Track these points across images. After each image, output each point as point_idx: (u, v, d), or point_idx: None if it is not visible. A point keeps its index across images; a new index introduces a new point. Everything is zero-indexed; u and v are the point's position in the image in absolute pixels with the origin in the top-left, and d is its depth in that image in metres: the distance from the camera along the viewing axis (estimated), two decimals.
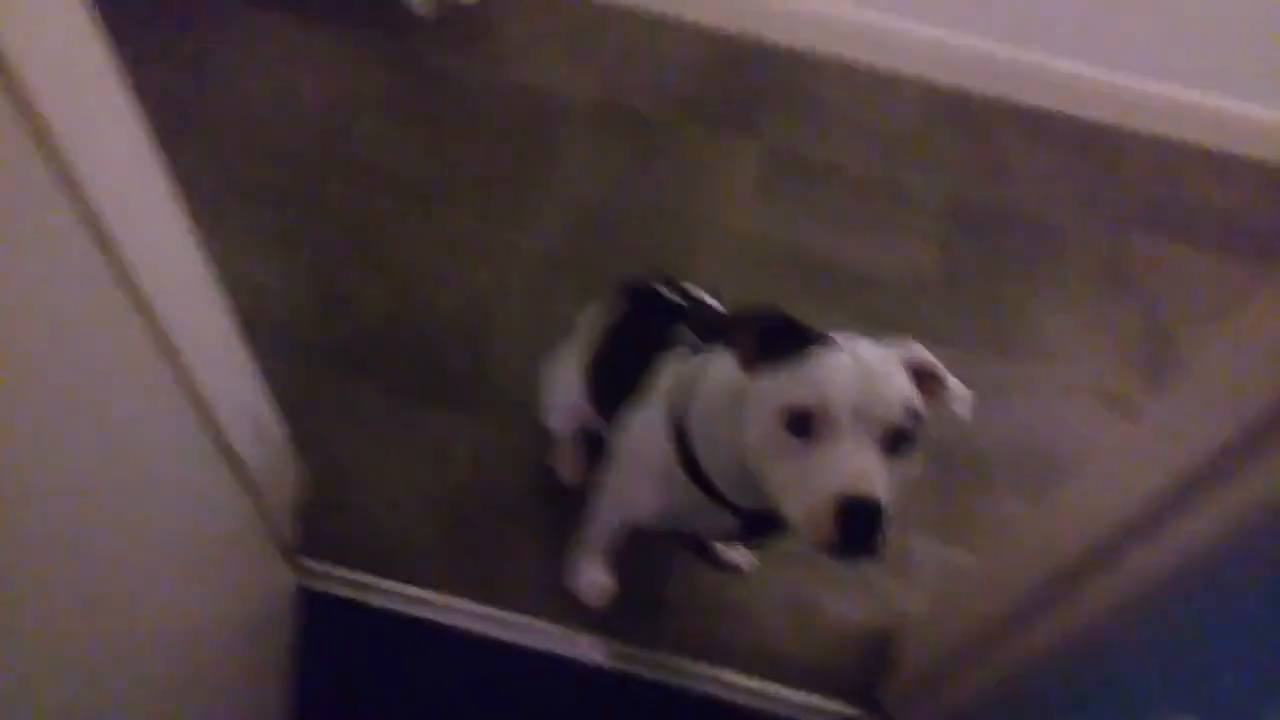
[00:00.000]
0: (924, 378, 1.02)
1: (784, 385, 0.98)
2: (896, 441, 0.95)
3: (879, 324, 2.01)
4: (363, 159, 2.09)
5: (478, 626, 1.59)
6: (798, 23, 2.38)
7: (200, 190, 1.93)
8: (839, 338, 1.00)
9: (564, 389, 1.56)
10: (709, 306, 1.38)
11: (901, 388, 0.96)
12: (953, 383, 1.03)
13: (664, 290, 1.38)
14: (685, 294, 1.38)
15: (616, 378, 1.33)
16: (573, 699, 1.58)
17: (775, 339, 1.01)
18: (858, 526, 0.91)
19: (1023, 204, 2.25)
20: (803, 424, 0.95)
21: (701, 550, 1.70)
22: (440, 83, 2.23)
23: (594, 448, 1.67)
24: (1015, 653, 1.27)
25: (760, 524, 1.22)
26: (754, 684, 1.59)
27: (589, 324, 1.51)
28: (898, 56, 2.39)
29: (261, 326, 1.80)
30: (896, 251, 2.13)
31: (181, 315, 1.02)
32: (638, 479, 1.29)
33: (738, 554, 1.69)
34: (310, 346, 1.84)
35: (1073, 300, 2.11)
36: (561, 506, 1.68)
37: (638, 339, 1.34)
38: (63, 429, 0.81)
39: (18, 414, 0.73)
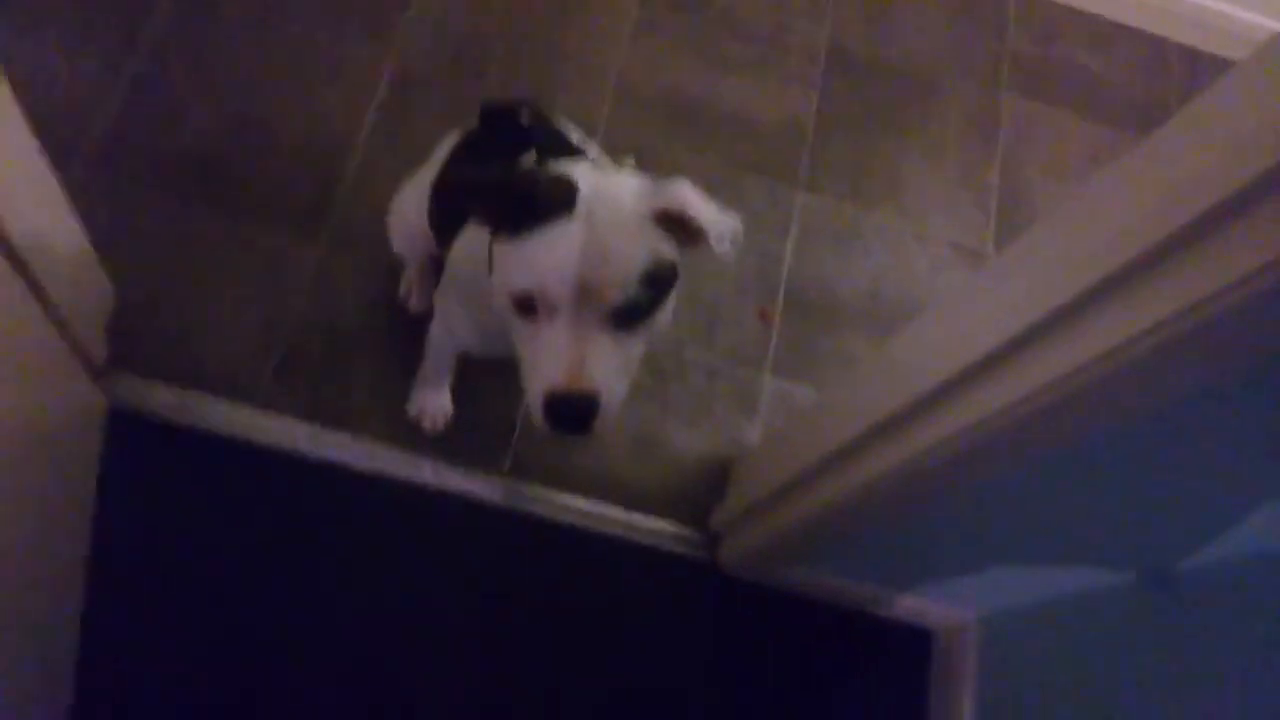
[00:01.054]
0: (684, 222, 0.97)
1: (510, 265, 0.96)
2: (632, 312, 0.94)
3: (749, 168, 1.97)
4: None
5: (306, 448, 1.53)
6: None
7: None
8: (585, 187, 0.94)
9: (410, 210, 1.48)
10: (566, 142, 1.30)
11: (639, 255, 0.93)
12: (713, 226, 0.97)
13: (523, 116, 1.29)
14: (548, 125, 1.30)
15: (453, 207, 1.25)
16: (406, 524, 1.55)
17: (513, 209, 0.96)
18: (569, 417, 0.93)
19: (903, 57, 2.20)
20: (529, 305, 0.94)
21: None
22: None
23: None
24: (840, 486, 1.29)
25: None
26: (591, 506, 1.59)
27: (444, 149, 1.43)
28: None
29: (81, 137, 1.70)
30: (775, 97, 2.07)
31: None
32: (457, 304, 1.25)
33: None
34: (137, 162, 1.71)
35: (940, 154, 2.10)
36: (406, 337, 1.62)
37: (483, 164, 1.25)
38: None
39: None
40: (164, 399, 1.52)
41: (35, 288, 1.22)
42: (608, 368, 0.93)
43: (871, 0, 2.25)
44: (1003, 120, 2.17)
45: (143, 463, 1.49)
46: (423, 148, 1.51)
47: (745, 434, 1.72)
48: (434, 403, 1.57)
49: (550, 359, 0.93)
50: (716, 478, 1.66)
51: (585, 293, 0.91)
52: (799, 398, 1.76)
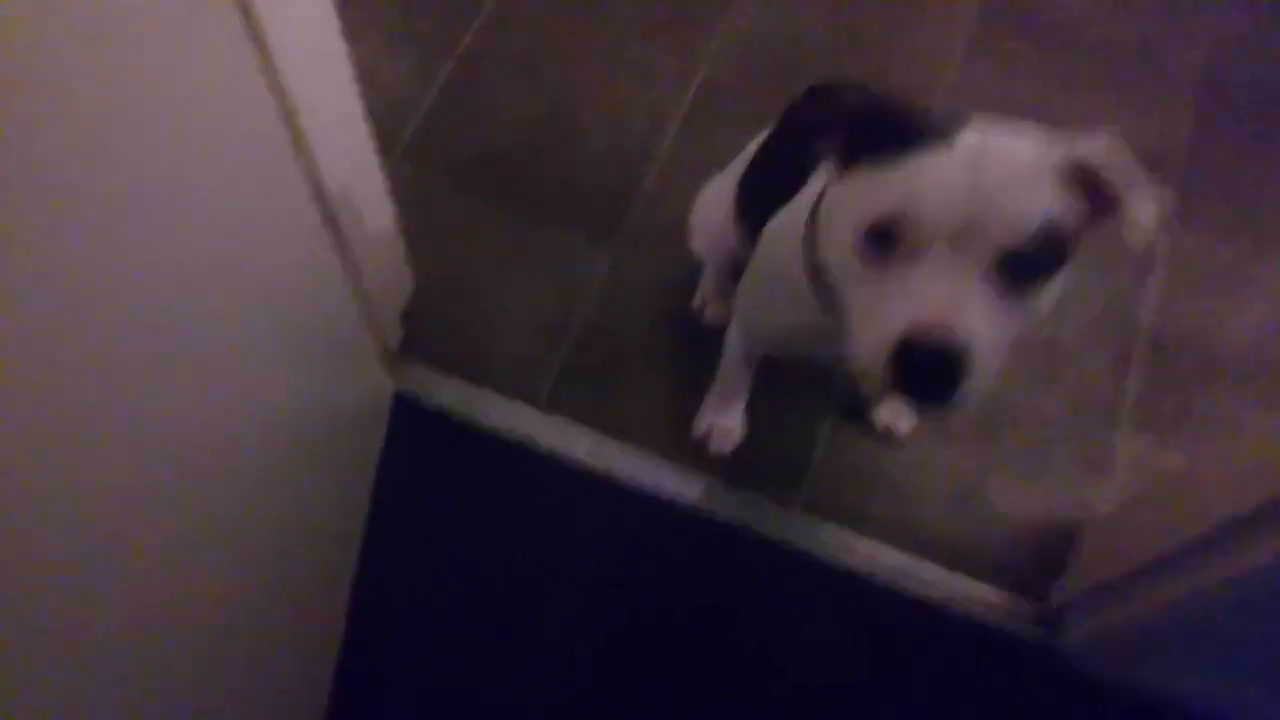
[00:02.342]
0: (1099, 184, 0.74)
1: (867, 191, 0.76)
2: (1019, 270, 0.71)
3: None
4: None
5: (585, 457, 1.41)
6: None
7: None
8: (972, 131, 0.74)
9: (714, 204, 1.35)
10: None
11: (1039, 198, 0.71)
12: (1136, 198, 0.74)
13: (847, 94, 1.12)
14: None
15: (767, 192, 1.11)
16: (680, 546, 1.37)
17: (874, 133, 0.77)
18: (929, 370, 0.71)
19: None
20: (886, 240, 0.73)
21: (854, 411, 1.45)
22: None
23: None
24: (1216, 575, 1.02)
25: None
26: (901, 560, 1.34)
27: (753, 145, 1.30)
28: None
29: (393, 127, 1.72)
30: (1128, 118, 1.77)
31: (311, 95, 0.95)
32: (766, 293, 1.09)
33: (895, 414, 1.44)
34: (442, 154, 1.70)
35: None
36: (696, 352, 1.47)
37: (796, 149, 1.09)
38: (185, 196, 0.75)
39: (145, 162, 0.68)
40: (450, 392, 1.46)
41: (349, 262, 1.19)
42: (984, 324, 0.71)
43: (1251, 20, 1.91)
44: None
45: (424, 454, 1.43)
46: (726, 157, 1.38)
47: (1092, 497, 1.41)
48: (724, 420, 1.41)
49: (910, 297, 0.72)
50: (1053, 546, 1.35)
51: (969, 226, 0.71)
52: (1164, 464, 1.43)
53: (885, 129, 0.76)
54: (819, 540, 1.36)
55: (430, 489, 1.41)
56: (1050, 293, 0.76)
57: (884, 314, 0.74)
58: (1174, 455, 1.43)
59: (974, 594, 1.31)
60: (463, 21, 1.85)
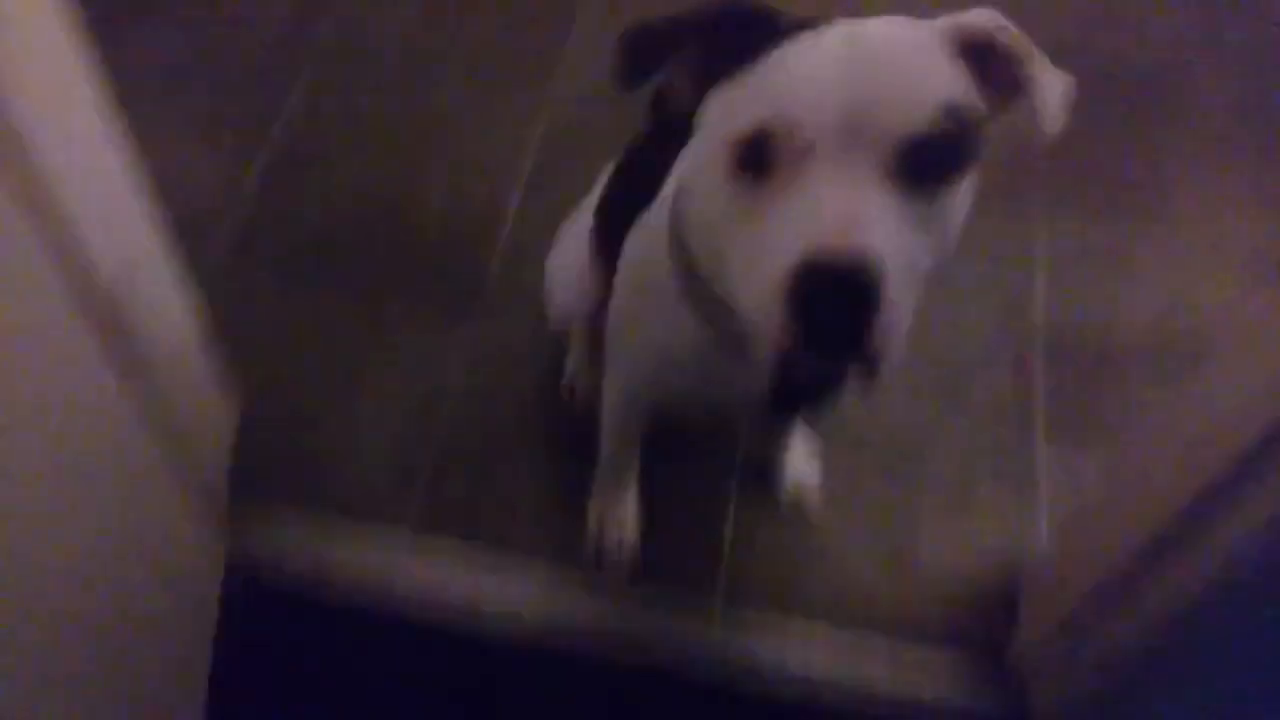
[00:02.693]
0: (992, 59, 0.64)
1: (727, 108, 0.63)
2: (925, 164, 0.59)
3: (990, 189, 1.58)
4: (346, 39, 1.73)
5: (460, 596, 1.20)
6: None
7: (154, 70, 1.69)
8: (840, 22, 0.62)
9: (565, 256, 1.20)
10: None
11: (931, 76, 0.60)
12: (1040, 71, 0.64)
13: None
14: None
15: (627, 211, 0.94)
16: (591, 690, 1.17)
17: (729, 43, 0.63)
18: (833, 306, 0.57)
19: (1138, 51, 1.80)
20: (760, 161, 0.60)
21: (756, 473, 1.30)
22: None
23: None
24: (1176, 583, 0.91)
25: (798, 377, 0.81)
26: (837, 650, 1.18)
27: (600, 182, 1.16)
28: None
29: (209, 236, 1.50)
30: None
31: (79, 192, 0.83)
32: (636, 318, 0.92)
33: (800, 468, 1.28)
34: (266, 251, 1.50)
35: (1213, 154, 1.66)
36: (584, 428, 1.28)
37: (662, 150, 0.93)
38: None
39: None
40: (293, 532, 1.23)
41: (156, 401, 0.99)
42: (893, 235, 0.58)
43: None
44: (1272, 114, 1.72)
45: (267, 616, 1.20)
46: (577, 206, 1.23)
47: (1028, 526, 1.29)
48: (617, 510, 1.23)
49: (799, 217, 0.58)
50: (1000, 591, 1.22)
51: (856, 118, 0.58)
52: (1089, 472, 1.32)
53: (741, 35, 0.63)
54: (744, 652, 1.19)
55: (278, 658, 1.18)
56: (964, 197, 0.63)
57: (770, 247, 0.59)
58: (1095, 461, 1.33)
59: (926, 663, 1.17)
60: (273, 110, 1.64)
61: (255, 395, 1.31)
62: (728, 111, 0.63)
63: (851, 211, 0.56)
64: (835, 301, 0.56)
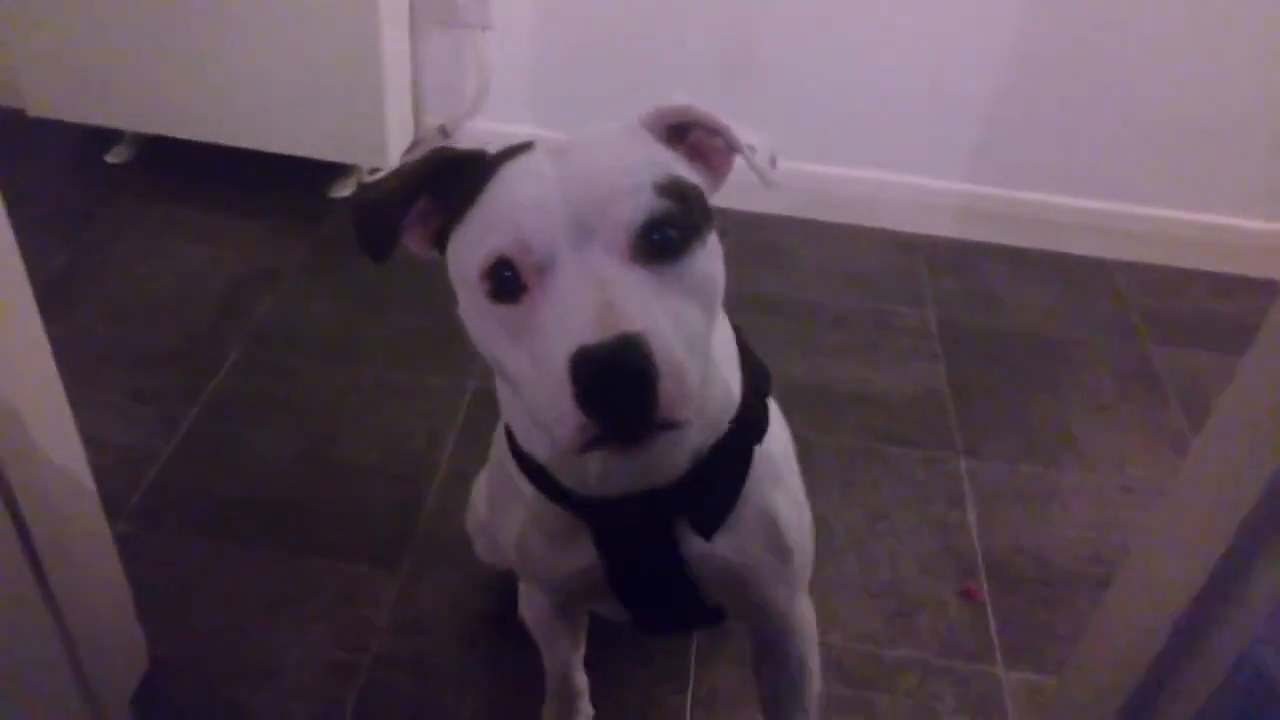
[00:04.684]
0: (697, 134, 0.72)
1: (468, 242, 0.67)
2: (662, 239, 0.64)
3: (893, 440, 1.68)
4: (274, 326, 1.82)
5: None
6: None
7: (82, 354, 1.74)
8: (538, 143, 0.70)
9: (479, 496, 1.20)
10: None
11: (640, 160, 0.67)
12: (733, 132, 0.71)
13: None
14: None
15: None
16: None
17: (450, 187, 0.69)
18: (613, 381, 0.58)
19: (1024, 327, 2.01)
20: (511, 282, 0.63)
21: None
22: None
23: None
24: None
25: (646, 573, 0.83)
26: None
27: None
28: (865, 210, 2.26)
29: (130, 489, 1.46)
30: (897, 372, 1.84)
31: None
32: (497, 507, 0.92)
33: None
34: (187, 507, 1.46)
35: (1105, 408, 1.80)
36: (524, 662, 1.21)
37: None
38: None
39: None
40: None
41: (68, 646, 0.92)
42: (648, 305, 0.60)
43: (970, 281, 2.13)
44: (1160, 367, 1.91)
45: None
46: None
47: None
48: None
49: (563, 319, 0.60)
50: None
51: (581, 220, 0.62)
52: (1049, 690, 1.28)
53: (456, 178, 0.68)
54: None
55: None
56: (712, 250, 0.68)
57: (545, 358, 0.60)
58: (1056, 679, 1.29)
59: None
60: (207, 370, 1.69)
61: (167, 645, 1.22)
62: (467, 250, 0.66)
63: (602, 302, 0.59)
64: (612, 369, 0.58)
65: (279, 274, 1.95)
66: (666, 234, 0.63)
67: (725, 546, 0.80)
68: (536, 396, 0.63)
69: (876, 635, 1.34)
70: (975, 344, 1.94)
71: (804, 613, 0.97)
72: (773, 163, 0.73)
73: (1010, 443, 1.70)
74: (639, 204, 0.62)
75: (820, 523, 1.33)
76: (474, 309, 0.66)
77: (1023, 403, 1.79)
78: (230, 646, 1.26)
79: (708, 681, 1.26)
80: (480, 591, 1.34)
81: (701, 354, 0.65)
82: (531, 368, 0.62)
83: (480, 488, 1.21)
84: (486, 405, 1.64)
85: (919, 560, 1.46)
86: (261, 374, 1.71)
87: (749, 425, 0.79)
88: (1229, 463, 0.79)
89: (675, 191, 0.65)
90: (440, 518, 1.45)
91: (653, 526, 0.78)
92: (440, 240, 0.70)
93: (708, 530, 0.79)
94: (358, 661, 1.25)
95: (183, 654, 1.24)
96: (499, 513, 0.91)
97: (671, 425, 0.60)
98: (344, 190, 2.21)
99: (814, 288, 2.07)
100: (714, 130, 0.71)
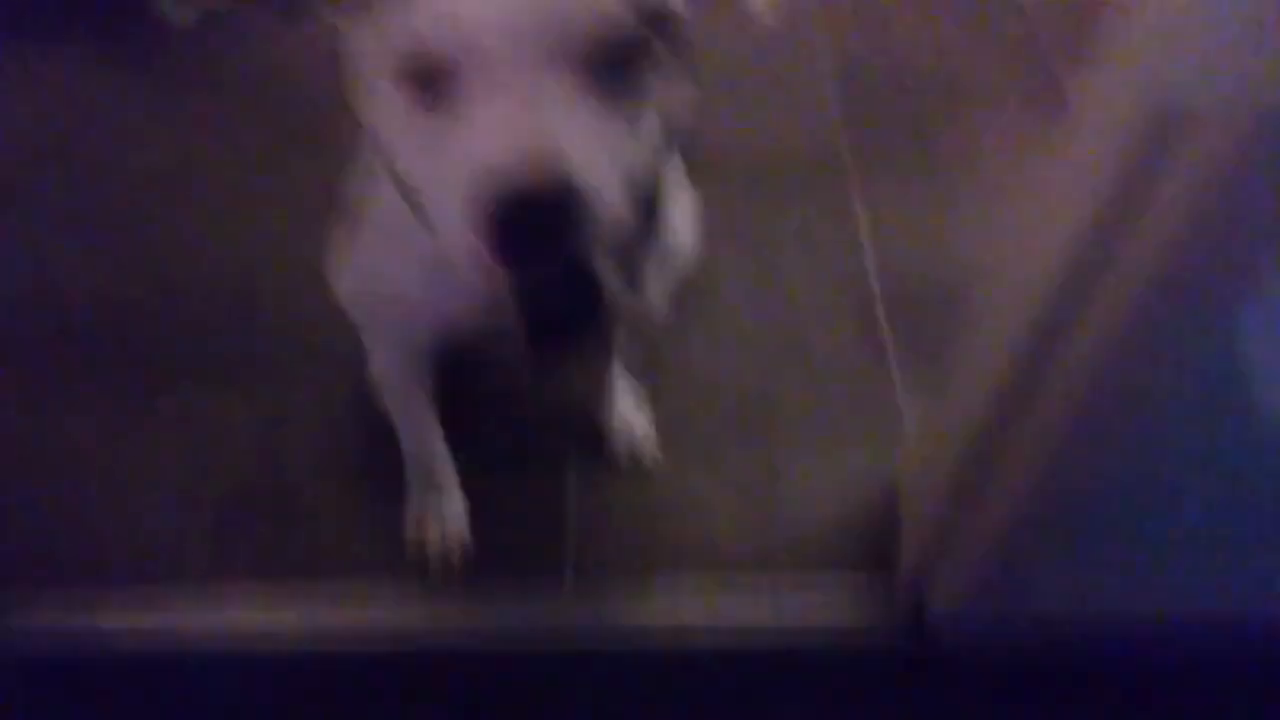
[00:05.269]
0: None
1: (387, 31, 0.56)
2: (625, 71, 0.55)
3: (783, 167, 1.57)
4: (102, 155, 1.65)
5: (267, 644, 1.01)
6: None
7: None
8: None
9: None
10: None
11: None
12: None
13: None
14: None
15: None
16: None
17: None
18: (531, 233, 0.52)
19: (926, 60, 1.88)
20: (432, 84, 0.54)
21: (592, 436, 1.16)
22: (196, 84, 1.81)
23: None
24: (1034, 442, 0.82)
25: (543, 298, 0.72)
26: (713, 578, 1.01)
27: None
28: None
29: None
30: (791, 113, 1.72)
31: None
32: (378, 246, 0.81)
33: (628, 419, 1.16)
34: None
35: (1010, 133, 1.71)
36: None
37: None
38: None
39: None
40: (53, 615, 1.02)
41: None
42: (591, 145, 0.53)
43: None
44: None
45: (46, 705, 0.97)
46: None
47: (896, 449, 1.17)
48: (436, 507, 1.06)
49: (484, 138, 0.52)
50: (877, 512, 1.09)
51: (534, 26, 0.52)
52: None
53: None
54: (605, 616, 1.02)
55: None
56: (678, 104, 0.59)
57: (458, 178, 0.52)
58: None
59: (812, 600, 1.01)
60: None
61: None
62: (384, 39, 0.56)
63: (534, 121, 0.51)
64: (533, 217, 0.51)
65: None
66: (636, 68, 0.55)
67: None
68: (438, 216, 0.57)
69: (774, 380, 1.28)
70: (874, 78, 1.81)
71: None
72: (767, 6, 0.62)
73: (908, 163, 1.61)
74: (610, 19, 0.53)
75: (714, 271, 1.24)
76: (383, 107, 0.57)
77: (922, 134, 1.69)
78: (74, 487, 1.16)
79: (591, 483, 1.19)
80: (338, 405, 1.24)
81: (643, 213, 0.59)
82: (442, 183, 0.55)
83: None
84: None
85: (815, 299, 1.39)
86: (74, 202, 1.54)
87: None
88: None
89: (657, 17, 0.55)
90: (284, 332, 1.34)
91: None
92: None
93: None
94: (212, 493, 1.16)
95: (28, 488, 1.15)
96: (382, 263, 0.81)
97: (585, 261, 0.56)
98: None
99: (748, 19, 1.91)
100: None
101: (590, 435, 1.16)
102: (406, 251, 0.73)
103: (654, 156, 0.60)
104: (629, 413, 1.15)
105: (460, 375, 1.08)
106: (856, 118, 1.72)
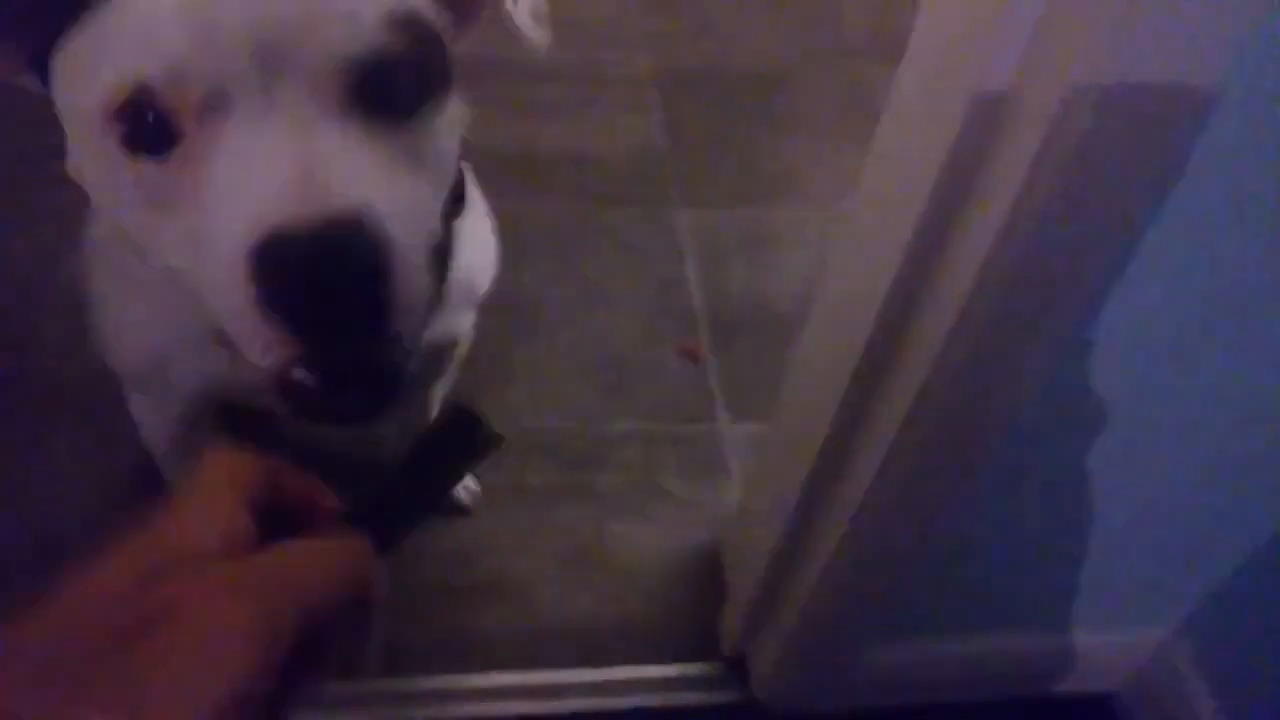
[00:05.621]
0: None
1: (87, 63, 0.45)
2: (384, 86, 0.45)
3: (607, 203, 1.53)
4: None
5: None
6: None
7: None
8: None
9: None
10: None
11: None
12: None
13: None
14: None
15: None
16: None
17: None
18: (326, 294, 0.41)
19: (744, 62, 1.86)
20: (156, 126, 0.43)
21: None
22: None
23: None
24: (853, 506, 0.80)
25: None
26: (530, 678, 0.97)
27: None
28: None
29: None
30: (612, 128, 1.67)
31: None
32: (116, 302, 0.69)
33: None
34: None
35: (825, 135, 1.72)
36: None
37: None
38: None
39: None
40: None
41: None
42: (365, 173, 0.43)
43: (687, 14, 1.94)
44: (876, 89, 1.83)
45: None
46: None
47: (723, 503, 1.17)
48: None
49: (240, 187, 0.41)
50: (705, 576, 1.08)
51: (273, 44, 0.41)
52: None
53: None
54: (424, 699, 0.96)
55: None
56: (447, 121, 0.49)
57: (211, 237, 0.42)
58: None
59: (637, 679, 0.99)
60: None
61: None
62: (83, 73, 0.45)
63: (301, 165, 0.41)
64: (315, 255, 0.40)
65: None
66: (396, 82, 0.45)
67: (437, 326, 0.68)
68: (206, 294, 0.44)
69: (594, 412, 1.24)
70: (692, 86, 1.79)
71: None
72: (537, 17, 0.56)
73: (729, 188, 1.60)
74: (357, 33, 0.43)
75: (532, 302, 1.18)
76: (96, 160, 0.45)
77: (742, 144, 1.68)
78: None
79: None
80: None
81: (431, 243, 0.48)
82: (191, 254, 0.44)
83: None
84: None
85: (638, 327, 1.36)
86: None
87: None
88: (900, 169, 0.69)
89: (411, 28, 0.45)
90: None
91: None
92: (38, 54, 0.47)
93: None
94: None
95: None
96: (120, 309, 0.68)
97: (401, 342, 0.44)
98: None
99: (516, 41, 1.82)
100: None
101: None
102: (154, 307, 0.62)
103: (442, 186, 0.51)
104: None
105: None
106: (678, 126, 1.69)
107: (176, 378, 0.70)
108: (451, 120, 0.50)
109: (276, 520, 0.33)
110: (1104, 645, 0.99)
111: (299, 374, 0.46)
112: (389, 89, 0.44)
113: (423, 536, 1.07)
